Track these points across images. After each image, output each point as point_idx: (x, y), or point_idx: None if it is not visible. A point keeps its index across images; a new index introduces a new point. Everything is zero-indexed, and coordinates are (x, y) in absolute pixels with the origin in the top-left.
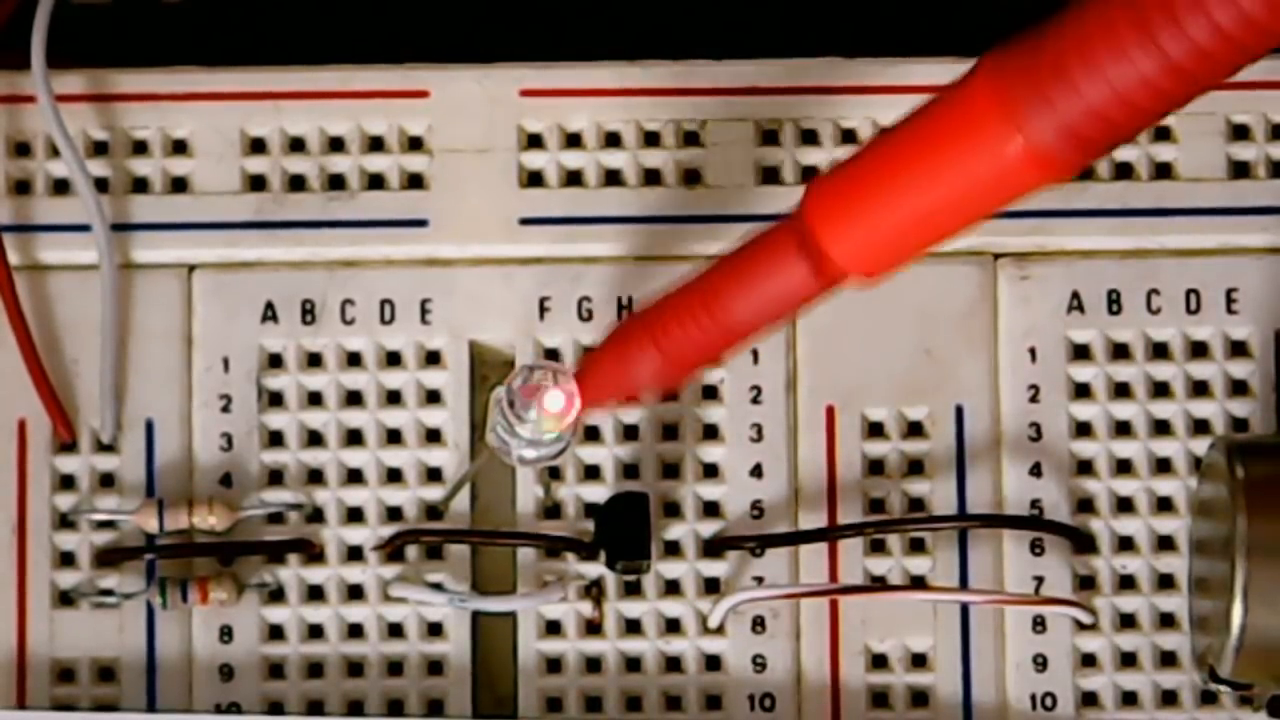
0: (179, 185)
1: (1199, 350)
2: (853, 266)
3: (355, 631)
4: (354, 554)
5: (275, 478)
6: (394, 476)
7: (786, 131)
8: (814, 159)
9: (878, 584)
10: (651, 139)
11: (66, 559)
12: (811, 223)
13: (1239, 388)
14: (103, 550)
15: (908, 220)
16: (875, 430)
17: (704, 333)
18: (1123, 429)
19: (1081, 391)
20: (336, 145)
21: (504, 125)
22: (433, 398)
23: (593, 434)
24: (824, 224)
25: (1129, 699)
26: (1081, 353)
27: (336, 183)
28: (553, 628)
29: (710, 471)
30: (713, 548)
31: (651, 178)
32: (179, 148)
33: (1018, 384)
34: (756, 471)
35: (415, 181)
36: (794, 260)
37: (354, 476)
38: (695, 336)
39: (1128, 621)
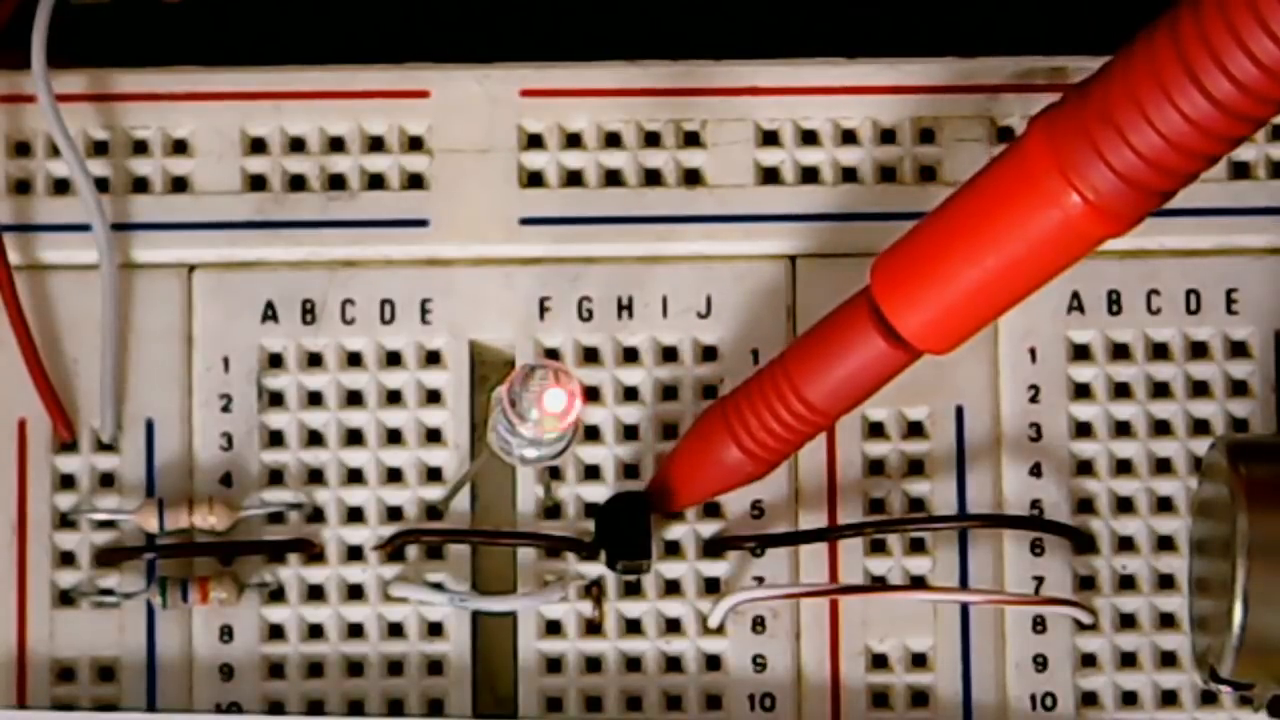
0: (179, 185)
1: (1199, 350)
2: (924, 343)
3: (355, 631)
4: (354, 554)
5: (275, 477)
6: (394, 476)
7: (786, 131)
8: (814, 159)
9: (878, 584)
10: (651, 139)
11: (66, 559)
12: (881, 302)
13: (1239, 388)
14: (103, 550)
15: (973, 290)
16: (875, 430)
17: (783, 421)
18: (1123, 429)
19: (1081, 392)
20: (336, 145)
21: (504, 125)
22: (433, 398)
23: (593, 434)
24: (892, 303)
25: (1129, 699)
26: (1081, 353)
27: (336, 183)
28: (553, 628)
29: None
30: (713, 548)
31: (651, 178)
32: (179, 148)
33: (1018, 384)
34: None
35: (415, 181)
36: (871, 337)
37: (354, 476)
38: (773, 427)
39: (1128, 621)
